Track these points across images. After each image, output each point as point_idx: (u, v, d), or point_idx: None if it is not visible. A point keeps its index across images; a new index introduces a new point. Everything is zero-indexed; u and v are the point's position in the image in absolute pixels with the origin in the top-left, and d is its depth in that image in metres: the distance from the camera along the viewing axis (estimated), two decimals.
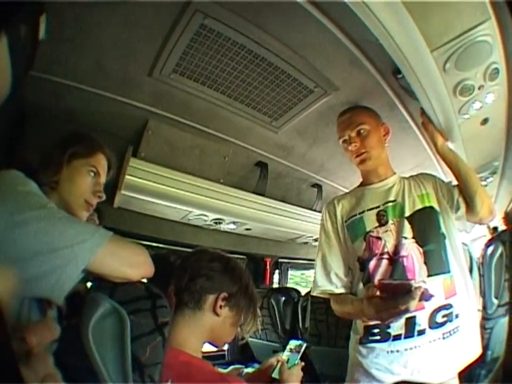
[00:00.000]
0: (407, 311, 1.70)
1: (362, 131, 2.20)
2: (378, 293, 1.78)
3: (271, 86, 2.45)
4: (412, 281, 1.72)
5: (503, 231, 3.22)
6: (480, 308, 2.75)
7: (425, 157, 3.02)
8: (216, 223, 3.54)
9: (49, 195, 1.50)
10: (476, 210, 2.09)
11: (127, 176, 2.69)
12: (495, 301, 2.69)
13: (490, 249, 2.69)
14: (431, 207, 2.13)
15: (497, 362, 2.56)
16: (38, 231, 1.19)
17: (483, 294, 2.76)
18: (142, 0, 1.80)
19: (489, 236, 3.58)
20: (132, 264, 1.37)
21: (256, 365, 3.52)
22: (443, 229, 2.10)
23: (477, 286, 2.79)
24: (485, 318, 2.72)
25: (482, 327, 2.68)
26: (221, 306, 1.68)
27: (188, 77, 2.35)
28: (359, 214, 2.20)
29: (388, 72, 2.24)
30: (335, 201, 2.34)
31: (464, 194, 2.11)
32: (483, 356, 2.12)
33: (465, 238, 3.27)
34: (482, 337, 2.28)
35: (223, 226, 3.67)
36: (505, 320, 2.59)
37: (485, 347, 2.42)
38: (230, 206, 3.23)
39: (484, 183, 2.92)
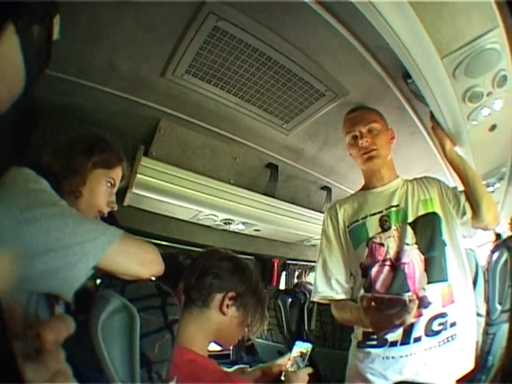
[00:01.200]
0: (402, 324, 1.71)
1: (373, 129, 2.20)
2: (373, 304, 1.77)
3: (282, 88, 2.46)
4: (406, 295, 1.73)
5: (509, 237, 3.22)
6: (484, 313, 2.75)
7: (434, 161, 3.01)
8: (225, 223, 3.55)
9: (73, 204, 1.48)
10: (482, 217, 2.09)
11: (138, 175, 2.70)
12: (499, 307, 2.71)
13: (496, 255, 2.71)
14: (434, 213, 2.13)
15: (496, 368, 2.58)
16: (49, 228, 1.20)
17: (487, 299, 2.76)
18: (156, 1, 1.83)
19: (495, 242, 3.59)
20: (142, 262, 1.38)
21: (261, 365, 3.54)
22: (444, 236, 2.09)
23: (482, 292, 2.80)
24: (488, 324, 2.73)
25: (485, 333, 2.70)
26: (227, 306, 1.70)
27: (200, 78, 2.36)
28: (361, 219, 2.19)
29: (398, 77, 2.25)
30: (337, 206, 2.33)
31: (471, 200, 2.11)
32: (484, 361, 2.13)
33: (472, 244, 3.27)
34: (485, 343, 2.28)
35: (233, 227, 3.68)
36: (507, 326, 2.60)
37: (487, 352, 2.43)
38: (240, 207, 3.24)
39: (491, 188, 2.93)
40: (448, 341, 2.01)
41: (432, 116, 2.23)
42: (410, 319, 1.71)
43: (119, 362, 1.23)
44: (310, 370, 2.22)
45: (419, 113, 2.59)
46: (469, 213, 2.12)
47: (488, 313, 2.79)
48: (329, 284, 2.21)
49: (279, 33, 2.05)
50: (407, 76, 2.14)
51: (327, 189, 3.88)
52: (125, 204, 2.98)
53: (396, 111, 2.54)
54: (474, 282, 2.76)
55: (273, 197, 3.45)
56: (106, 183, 1.68)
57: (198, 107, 2.64)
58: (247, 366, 3.11)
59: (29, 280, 1.16)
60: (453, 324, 2.02)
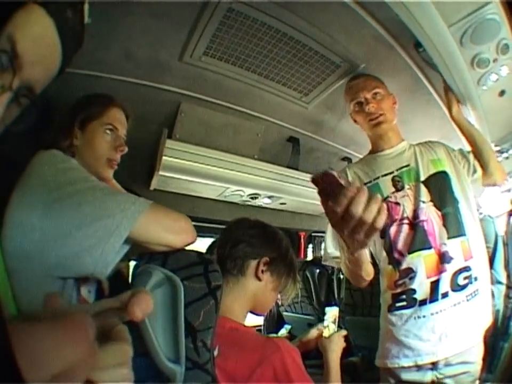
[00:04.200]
0: (353, 217, 1.23)
1: (377, 95, 2.26)
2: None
3: (299, 63, 2.49)
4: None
5: None
6: (505, 281, 2.77)
7: (450, 129, 3.00)
8: (252, 198, 3.58)
9: None
10: (490, 173, 2.18)
11: (164, 157, 2.74)
12: None
13: None
14: (444, 172, 2.17)
15: None
16: (80, 203, 1.23)
17: (507, 263, 2.78)
18: None
19: None
20: (174, 230, 1.41)
21: (288, 326, 3.61)
22: (456, 194, 2.13)
23: (502, 260, 2.82)
24: (510, 287, 2.74)
25: (507, 297, 2.70)
26: (262, 271, 1.76)
27: (218, 58, 2.40)
28: (374, 180, 2.23)
29: (410, 46, 2.28)
30: (347, 169, 2.37)
31: (479, 159, 2.18)
32: (506, 327, 2.15)
33: (491, 212, 3.27)
34: (507, 307, 2.30)
35: (259, 201, 3.72)
36: None
37: (509, 318, 2.45)
38: (265, 181, 3.28)
39: (505, 155, 2.93)
40: (474, 295, 2.04)
41: (444, 80, 2.28)
42: (359, 209, 1.17)
43: (163, 336, 1.28)
44: (344, 332, 2.29)
45: (433, 81, 2.60)
46: (479, 170, 2.20)
47: (509, 276, 2.80)
48: (338, 245, 2.22)
49: (291, 9, 2.08)
50: (418, 45, 2.18)
51: (347, 159, 3.87)
52: (151, 188, 3.04)
53: (409, 79, 2.58)
54: (494, 250, 2.78)
55: (296, 169, 3.46)
56: (105, 131, 1.71)
57: (217, 87, 2.68)
58: (275, 334, 3.21)
59: (64, 263, 1.21)
60: (475, 278, 2.06)
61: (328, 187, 1.26)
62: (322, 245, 5.24)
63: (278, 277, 1.83)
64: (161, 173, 2.81)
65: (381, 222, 1.18)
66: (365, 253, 1.87)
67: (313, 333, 2.40)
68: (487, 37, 1.91)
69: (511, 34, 1.90)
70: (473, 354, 2.03)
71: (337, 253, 2.22)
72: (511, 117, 2.58)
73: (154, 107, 2.75)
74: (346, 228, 1.29)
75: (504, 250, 2.85)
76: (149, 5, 1.96)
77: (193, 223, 3.43)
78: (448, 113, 2.35)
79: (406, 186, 2.16)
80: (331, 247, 2.29)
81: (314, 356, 2.48)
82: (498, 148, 2.83)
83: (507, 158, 2.99)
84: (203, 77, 2.57)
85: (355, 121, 2.42)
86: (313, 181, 1.35)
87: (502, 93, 2.28)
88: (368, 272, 2.04)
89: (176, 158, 2.80)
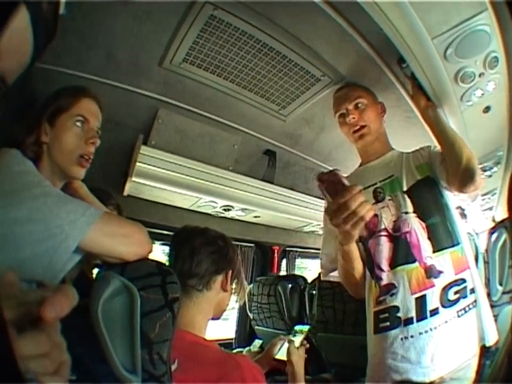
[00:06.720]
0: (348, 209, 1.51)
1: (360, 104, 2.21)
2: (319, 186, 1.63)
3: (279, 74, 2.48)
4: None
5: (508, 218, 3.22)
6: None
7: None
8: (225, 210, 3.56)
9: (39, 162, 1.49)
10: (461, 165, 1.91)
11: (137, 163, 2.70)
12: (500, 288, 2.69)
13: (494, 236, 2.69)
14: (431, 177, 2.08)
15: (501, 351, 2.55)
16: (31, 209, 1.20)
17: (487, 280, 2.76)
18: None
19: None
20: (126, 243, 1.37)
21: (259, 340, 3.60)
22: (446, 199, 2.05)
23: (482, 277, 2.80)
24: (490, 306, 2.73)
25: None
26: (228, 283, 1.83)
27: (197, 66, 2.38)
28: None
29: (393, 62, 2.25)
30: None
31: (450, 157, 1.98)
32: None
33: (472, 229, 3.26)
34: None
35: (232, 213, 3.70)
36: (510, 307, 2.59)
37: None
38: (239, 193, 3.25)
39: (488, 173, 2.91)
40: (468, 310, 1.92)
41: (412, 78, 2.17)
42: (353, 203, 1.50)
43: (119, 345, 1.25)
44: (307, 345, 2.38)
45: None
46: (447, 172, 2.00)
47: (489, 294, 2.78)
48: (331, 260, 2.21)
49: (274, 20, 2.07)
50: (401, 60, 2.13)
51: None
52: (125, 193, 3.00)
53: (391, 96, 2.55)
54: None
55: (271, 183, 3.45)
56: (74, 123, 1.58)
57: (195, 95, 2.67)
58: (244, 348, 3.20)
59: (16, 267, 1.14)
60: (473, 290, 1.95)
61: (332, 184, 1.58)
62: (297, 260, 5.23)
63: (237, 283, 1.93)
64: (134, 179, 2.77)
65: (367, 216, 1.52)
66: (355, 249, 1.93)
67: (276, 342, 2.42)
68: (474, 49, 1.85)
69: (502, 47, 1.83)
70: (469, 370, 1.89)
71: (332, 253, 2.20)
72: (495, 134, 2.57)
73: (132, 111, 2.73)
74: (339, 218, 1.56)
75: (484, 268, 2.83)
76: (133, 6, 1.95)
77: (165, 232, 3.42)
78: (417, 108, 2.26)
79: (387, 197, 2.09)
80: (325, 248, 2.28)
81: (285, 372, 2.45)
82: (480, 166, 2.81)
83: (490, 176, 2.99)
84: (181, 84, 2.55)
85: (345, 134, 2.35)
86: (319, 178, 1.61)
87: (487, 109, 2.25)
88: (358, 270, 2.05)
89: (150, 165, 2.76)
